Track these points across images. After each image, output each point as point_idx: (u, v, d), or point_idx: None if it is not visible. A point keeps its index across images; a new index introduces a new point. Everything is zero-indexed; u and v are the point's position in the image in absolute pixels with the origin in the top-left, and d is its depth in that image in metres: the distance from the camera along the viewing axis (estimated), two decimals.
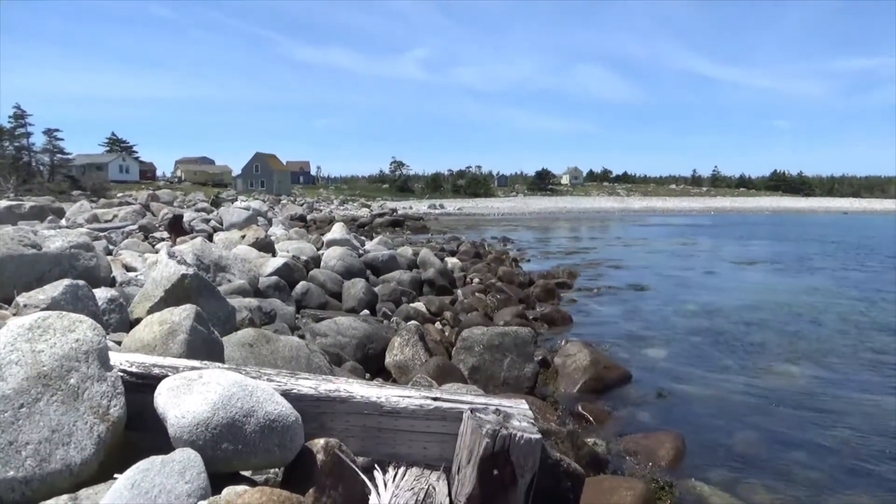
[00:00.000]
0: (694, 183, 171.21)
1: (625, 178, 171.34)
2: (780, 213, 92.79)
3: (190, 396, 2.29)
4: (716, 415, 7.20)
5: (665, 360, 9.58)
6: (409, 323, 8.76)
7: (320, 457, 2.39)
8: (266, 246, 12.48)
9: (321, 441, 2.45)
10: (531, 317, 11.74)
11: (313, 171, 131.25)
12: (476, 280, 15.20)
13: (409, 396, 2.68)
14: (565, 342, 9.01)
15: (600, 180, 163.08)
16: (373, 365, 7.33)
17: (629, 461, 5.58)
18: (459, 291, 13.50)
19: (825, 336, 11.46)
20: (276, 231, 17.60)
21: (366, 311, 9.97)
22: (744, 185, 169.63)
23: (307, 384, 2.72)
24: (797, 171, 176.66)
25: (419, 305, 10.86)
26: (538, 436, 2.38)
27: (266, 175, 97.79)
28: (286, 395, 2.59)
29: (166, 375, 2.56)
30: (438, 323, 10.09)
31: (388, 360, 7.29)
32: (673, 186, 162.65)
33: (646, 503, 4.29)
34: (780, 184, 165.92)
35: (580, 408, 6.69)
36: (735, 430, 6.71)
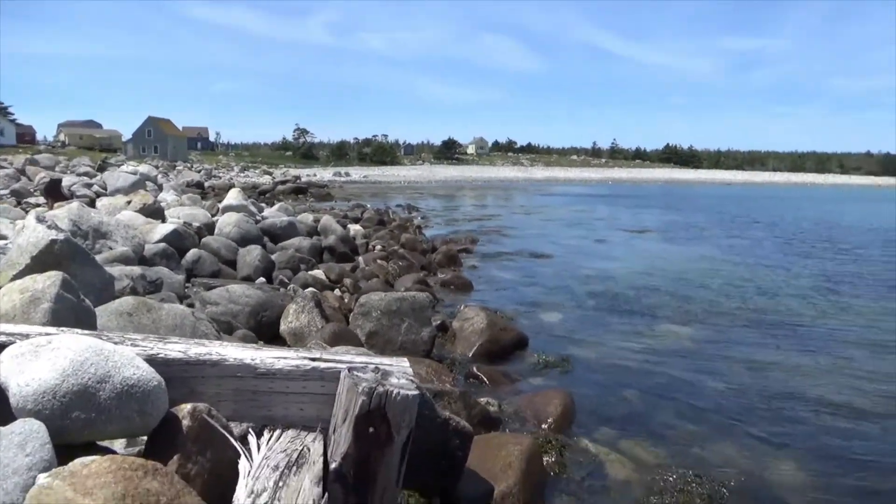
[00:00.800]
0: (594, 154, 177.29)
1: (529, 149, 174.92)
2: (671, 185, 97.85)
3: (36, 363, 2.10)
4: (606, 375, 7.49)
5: (560, 324, 9.89)
6: (306, 290, 8.58)
7: (186, 422, 2.27)
8: (154, 212, 11.81)
9: (188, 406, 2.33)
10: (432, 283, 11.80)
11: (212, 138, 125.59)
12: (378, 247, 15.09)
13: (285, 358, 2.59)
14: (464, 307, 9.12)
15: (505, 150, 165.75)
16: (267, 332, 7.13)
17: (519, 419, 5.74)
18: (361, 259, 13.36)
19: (711, 300, 12.18)
20: (167, 197, 16.70)
21: (262, 279, 9.66)
22: (639, 157, 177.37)
23: (176, 348, 2.57)
24: (688, 145, 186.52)
25: (318, 273, 10.66)
26: (415, 392, 2.36)
27: (160, 140, 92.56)
28: (152, 360, 2.44)
29: (13, 343, 2.34)
30: (338, 290, 9.94)
31: (283, 327, 7.11)
32: (574, 157, 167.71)
33: (532, 457, 4.42)
34: (672, 156, 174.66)
35: (475, 369, 6.80)
36: (623, 389, 7.00)
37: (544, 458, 4.96)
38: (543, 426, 5.56)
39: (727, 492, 4.77)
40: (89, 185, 17.98)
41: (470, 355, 7.50)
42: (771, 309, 11.52)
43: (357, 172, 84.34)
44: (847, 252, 20.71)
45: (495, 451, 4.44)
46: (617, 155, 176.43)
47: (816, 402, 6.81)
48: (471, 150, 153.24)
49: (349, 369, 2.52)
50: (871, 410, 6.64)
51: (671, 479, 4.94)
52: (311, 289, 8.92)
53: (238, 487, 2.03)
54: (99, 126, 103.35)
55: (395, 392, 2.34)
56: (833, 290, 13.67)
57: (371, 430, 2.34)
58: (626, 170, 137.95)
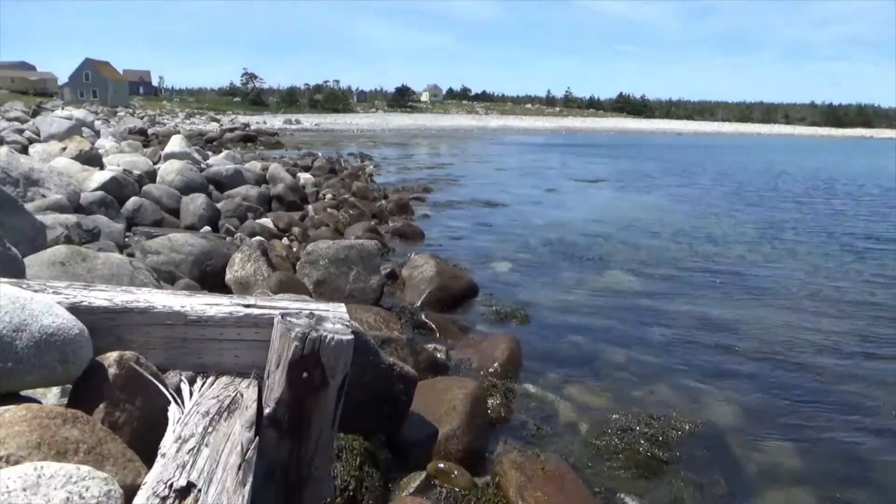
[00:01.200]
0: (548, 103, 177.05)
1: (483, 97, 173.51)
2: (624, 134, 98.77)
3: None
4: (555, 322, 7.61)
5: (511, 272, 9.99)
6: (252, 239, 8.42)
7: (112, 371, 2.21)
8: (92, 159, 11.34)
9: (114, 354, 2.26)
10: (383, 232, 11.73)
11: (155, 82, 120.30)
12: (329, 196, 14.88)
13: (217, 304, 2.53)
14: (414, 255, 9.11)
15: (460, 98, 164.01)
16: (212, 282, 7.00)
17: (466, 364, 5.82)
18: (310, 207, 13.16)
19: (660, 247, 12.47)
20: (105, 143, 16.02)
21: (207, 228, 9.44)
22: (593, 106, 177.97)
23: (102, 296, 2.48)
24: (641, 95, 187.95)
25: (266, 221, 10.47)
26: (350, 337, 2.33)
27: (99, 84, 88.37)
28: (76, 308, 2.35)
29: None
30: (286, 239, 9.80)
31: (229, 276, 6.99)
32: (529, 106, 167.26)
33: (476, 400, 4.50)
34: (625, 106, 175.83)
35: (424, 317, 6.83)
36: (571, 336, 7.13)
37: (489, 402, 5.05)
38: (489, 371, 5.65)
39: (671, 432, 4.93)
40: (20, 132, 17.08)
41: (419, 303, 7.52)
42: (718, 256, 11.87)
43: (308, 120, 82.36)
44: (791, 200, 21.41)
45: (440, 395, 4.50)
46: (571, 104, 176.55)
47: (758, 347, 7.06)
48: (425, 97, 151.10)
49: (283, 315, 2.47)
50: (809, 353, 6.93)
51: (615, 421, 5.08)
52: (258, 237, 8.76)
53: (166, 434, 1.99)
54: (32, 68, 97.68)
55: (329, 337, 2.32)
56: (777, 237, 14.17)
57: (305, 375, 2.31)
58: (579, 119, 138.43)
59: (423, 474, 4.01)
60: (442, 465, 4.04)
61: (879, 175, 34.72)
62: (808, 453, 4.80)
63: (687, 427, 5.03)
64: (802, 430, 5.17)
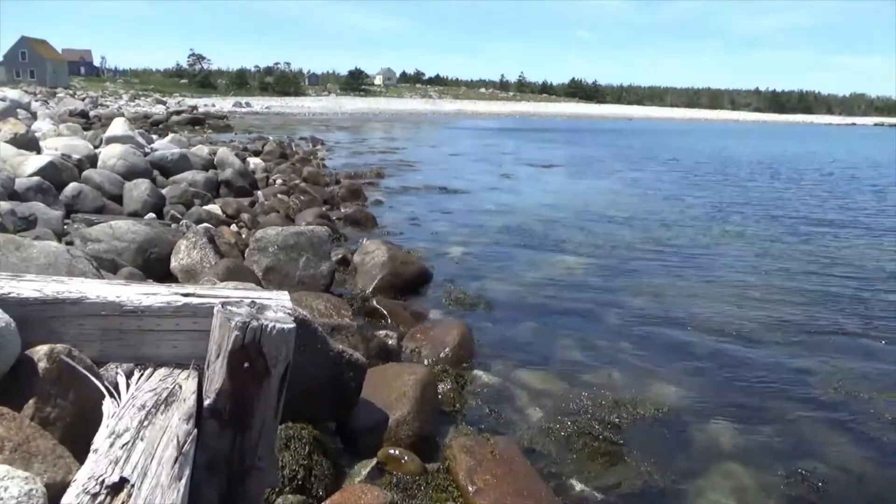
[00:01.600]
0: (502, 87, 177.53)
1: (437, 81, 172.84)
2: (577, 119, 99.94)
3: None
4: (507, 307, 7.63)
5: (465, 258, 9.99)
6: (199, 226, 8.22)
7: (43, 365, 2.13)
8: (28, 143, 10.87)
9: (44, 348, 2.18)
10: (335, 218, 11.60)
11: (97, 62, 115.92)
12: (279, 181, 14.63)
13: (154, 294, 2.46)
14: (365, 240, 9.05)
15: (413, 82, 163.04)
16: (157, 270, 6.82)
17: (417, 350, 5.82)
18: (260, 193, 12.93)
19: (613, 232, 12.66)
20: (43, 126, 15.36)
21: (151, 215, 9.18)
22: (546, 91, 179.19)
23: (31, 286, 2.38)
24: (592, 80, 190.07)
25: (213, 208, 10.24)
26: (292, 325, 2.30)
27: (37, 64, 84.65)
28: (3, 299, 2.25)
29: None
30: (234, 225, 9.61)
31: (174, 264, 6.82)
32: (482, 90, 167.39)
33: (426, 386, 4.51)
34: (577, 91, 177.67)
35: (375, 303, 6.79)
36: (523, 321, 7.17)
37: (440, 388, 5.07)
38: (441, 357, 5.66)
39: (621, 415, 5.03)
40: None
41: (370, 289, 7.48)
42: (670, 239, 12.15)
43: (259, 103, 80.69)
44: (738, 185, 22.04)
45: (390, 382, 4.50)
46: (524, 88, 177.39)
47: (709, 328, 7.20)
48: (378, 80, 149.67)
49: (223, 304, 2.42)
50: (758, 334, 7.12)
51: (566, 405, 5.17)
52: (204, 224, 8.56)
53: (100, 429, 1.93)
54: None
55: (270, 326, 2.28)
56: (726, 220, 14.59)
57: (246, 364, 2.27)
58: (532, 104, 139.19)
59: (374, 461, 4.01)
60: (392, 452, 4.05)
61: (818, 160, 36.01)
62: (754, 432, 4.96)
63: (637, 409, 5.14)
64: (749, 410, 5.32)
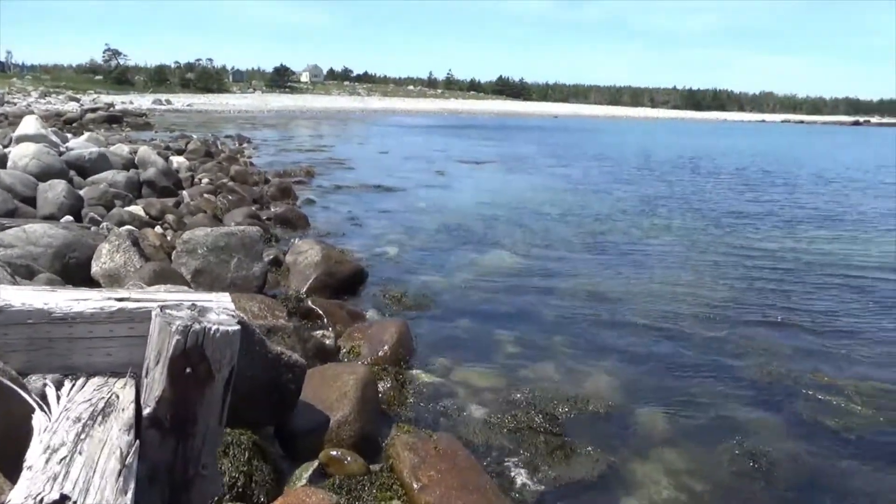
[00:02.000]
0: (430, 85, 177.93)
1: (365, 78, 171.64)
2: (505, 116, 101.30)
3: None
4: (444, 305, 7.64)
5: (400, 256, 9.95)
6: (121, 228, 7.87)
7: None
8: None
9: None
10: (265, 217, 11.34)
11: (2, 57, 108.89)
12: (205, 180, 14.18)
13: (86, 299, 2.34)
14: (298, 240, 8.89)
15: (341, 79, 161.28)
16: (77, 276, 6.49)
17: (356, 350, 5.76)
18: (185, 193, 12.48)
19: (547, 228, 12.88)
20: None
21: (69, 218, 8.71)
22: (474, 88, 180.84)
23: None
24: (519, 78, 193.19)
25: (136, 209, 9.82)
26: (236, 328, 2.24)
27: None
28: None
29: None
30: (159, 227, 9.25)
31: (95, 269, 6.50)
32: (411, 87, 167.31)
33: (367, 385, 4.48)
34: (504, 88, 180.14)
35: (311, 303, 6.69)
36: (461, 319, 7.19)
37: (381, 386, 5.06)
38: (380, 355, 5.63)
39: (559, 406, 5.14)
40: None
41: (305, 289, 7.36)
42: (602, 233, 12.50)
43: (180, 100, 77.85)
44: (662, 179, 22.93)
45: (330, 382, 4.45)
46: (452, 86, 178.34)
47: (640, 319, 7.42)
48: (305, 77, 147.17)
49: (161, 308, 2.33)
50: (688, 323, 7.39)
51: (505, 399, 5.25)
52: (127, 226, 8.21)
53: (31, 445, 1.83)
54: None
55: (213, 328, 2.21)
56: (653, 213, 15.16)
57: (188, 370, 2.20)
58: (461, 101, 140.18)
59: (315, 463, 3.96)
60: (334, 453, 4.01)
61: (734, 154, 37.87)
62: (688, 417, 5.16)
63: (576, 401, 5.25)
64: (683, 396, 5.52)
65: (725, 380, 5.93)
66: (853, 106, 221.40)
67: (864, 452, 4.78)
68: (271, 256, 8.23)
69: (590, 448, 4.55)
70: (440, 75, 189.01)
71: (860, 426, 5.13)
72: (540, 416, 4.95)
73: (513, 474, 4.20)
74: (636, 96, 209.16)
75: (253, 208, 11.79)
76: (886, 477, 4.48)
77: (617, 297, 8.24)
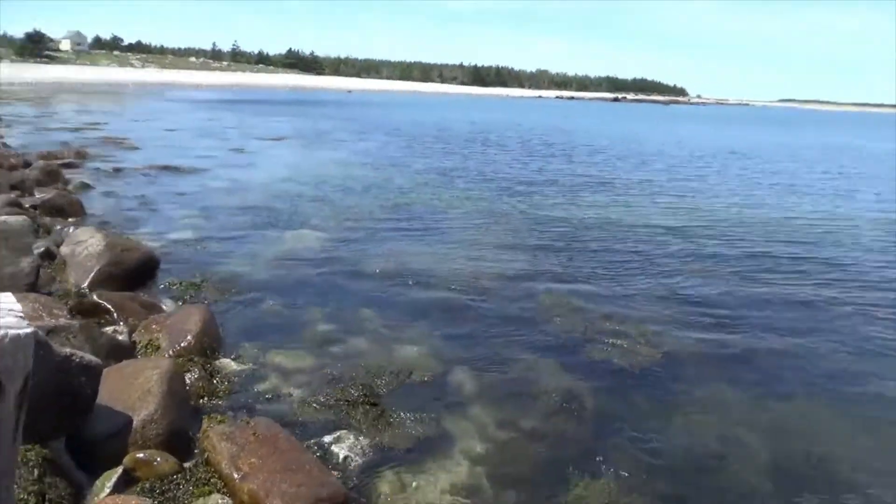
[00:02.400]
0: (214, 57, 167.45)
1: (139, 48, 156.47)
2: (297, 91, 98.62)
3: None
4: (245, 288, 7.30)
5: (196, 241, 9.26)
6: None
7: None
8: None
9: None
10: (29, 205, 9.97)
11: None
12: None
13: None
14: (74, 229, 7.97)
15: (110, 49, 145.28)
16: None
17: (153, 343, 5.34)
18: None
19: (351, 202, 12.95)
20: None
21: None
22: (263, 61, 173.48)
23: None
24: (310, 51, 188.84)
25: None
26: (29, 330, 2.01)
27: None
28: None
29: None
30: None
31: None
32: (192, 59, 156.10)
33: (172, 379, 4.19)
34: (296, 62, 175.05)
35: (97, 297, 6.06)
36: (264, 300, 6.94)
37: (188, 378, 4.78)
38: (183, 346, 5.28)
39: (373, 378, 5.25)
40: None
41: (87, 283, 6.64)
42: (405, 205, 12.85)
43: None
44: (456, 152, 24.09)
45: (130, 380, 4.11)
46: (239, 58, 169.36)
47: (447, 285, 7.82)
48: (66, 46, 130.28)
49: None
50: (495, 286, 7.91)
51: (320, 377, 5.25)
52: None
53: None
54: None
55: (2, 334, 1.96)
56: (452, 184, 15.93)
57: None
58: (250, 74, 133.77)
59: (120, 469, 3.65)
60: (141, 455, 3.73)
61: (518, 128, 40.71)
62: (494, 376, 5.52)
63: (389, 370, 5.42)
64: (488, 357, 5.89)
65: (526, 335, 6.47)
66: (613, 84, 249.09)
67: (646, 382, 5.59)
68: (42, 249, 7.31)
69: (407, 413, 4.72)
70: (225, 47, 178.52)
71: (641, 361, 5.94)
72: (357, 389, 5.02)
73: (335, 449, 4.22)
74: (426, 72, 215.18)
75: (13, 195, 10.29)
76: (664, 397, 5.29)
77: (423, 268, 8.52)
